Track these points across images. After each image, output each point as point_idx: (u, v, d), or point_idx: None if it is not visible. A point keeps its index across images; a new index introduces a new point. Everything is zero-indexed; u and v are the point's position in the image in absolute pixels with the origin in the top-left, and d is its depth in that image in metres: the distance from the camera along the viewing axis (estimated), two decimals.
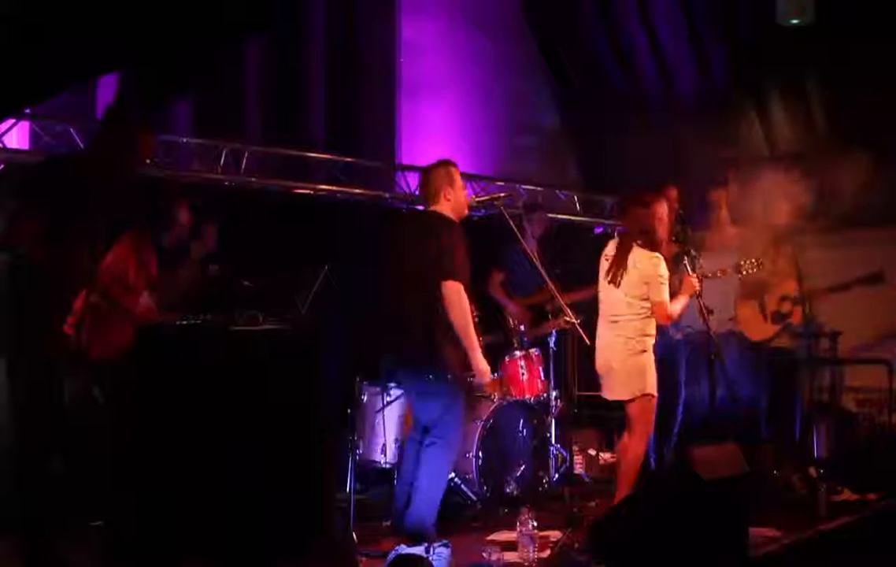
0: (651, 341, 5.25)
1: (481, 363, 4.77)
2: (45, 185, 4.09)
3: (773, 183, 6.90)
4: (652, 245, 5.24)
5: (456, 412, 4.82)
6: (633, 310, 5.20)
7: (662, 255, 5.26)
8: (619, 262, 5.27)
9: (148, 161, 4.35)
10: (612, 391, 5.26)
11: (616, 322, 5.24)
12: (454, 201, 4.93)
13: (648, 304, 5.20)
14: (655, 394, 5.24)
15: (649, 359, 5.23)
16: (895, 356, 6.96)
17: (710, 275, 6.02)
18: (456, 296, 4.67)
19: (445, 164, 5.00)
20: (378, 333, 5.04)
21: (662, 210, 5.32)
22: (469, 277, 4.83)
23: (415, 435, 5.01)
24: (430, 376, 4.75)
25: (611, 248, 5.40)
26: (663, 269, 5.22)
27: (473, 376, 6.33)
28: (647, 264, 5.20)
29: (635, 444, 5.22)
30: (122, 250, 4.52)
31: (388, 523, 5.21)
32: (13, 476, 4.03)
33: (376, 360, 6.01)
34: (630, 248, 5.27)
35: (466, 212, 5.03)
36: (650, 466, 5.90)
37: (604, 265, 5.37)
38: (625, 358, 5.19)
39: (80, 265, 4.03)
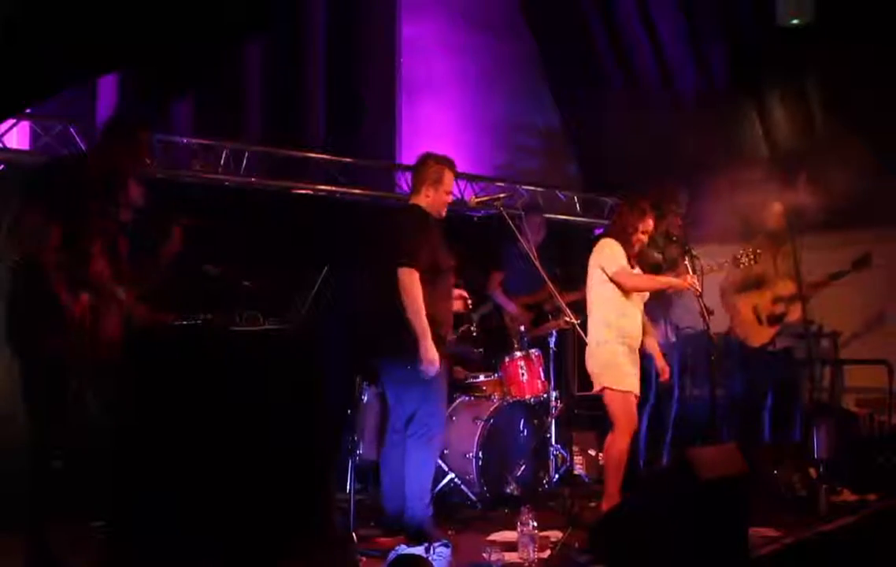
0: (620, 334, 5.23)
1: (428, 352, 4.70)
2: (49, 187, 4.10)
3: (772, 183, 6.91)
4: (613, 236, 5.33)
5: (435, 400, 4.84)
6: (593, 299, 5.30)
7: (629, 254, 5.31)
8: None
9: (148, 162, 4.33)
10: (593, 384, 5.34)
11: (589, 316, 5.34)
12: (432, 200, 4.98)
13: (606, 291, 5.23)
14: (626, 389, 5.22)
15: (613, 350, 5.22)
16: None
17: (707, 269, 6.02)
18: (407, 281, 4.69)
19: (440, 162, 5.01)
20: (367, 331, 5.08)
21: (646, 223, 5.35)
22: (437, 267, 4.84)
23: (394, 435, 5.01)
24: (409, 366, 4.75)
25: None
26: (619, 249, 5.25)
27: (474, 376, 6.41)
28: (598, 249, 5.31)
29: (615, 439, 5.24)
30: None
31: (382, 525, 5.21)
32: (25, 475, 4.08)
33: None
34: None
35: (443, 213, 5.04)
36: (639, 467, 5.88)
37: None
38: (591, 351, 5.26)
39: (82, 267, 4.04)
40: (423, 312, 4.70)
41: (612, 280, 5.23)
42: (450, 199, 5.06)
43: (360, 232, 6.74)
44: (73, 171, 4.27)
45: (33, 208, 4.01)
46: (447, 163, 5.03)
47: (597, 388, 5.28)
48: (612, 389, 5.21)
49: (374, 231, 5.22)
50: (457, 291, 5.10)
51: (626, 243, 5.31)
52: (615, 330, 5.24)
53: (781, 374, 6.72)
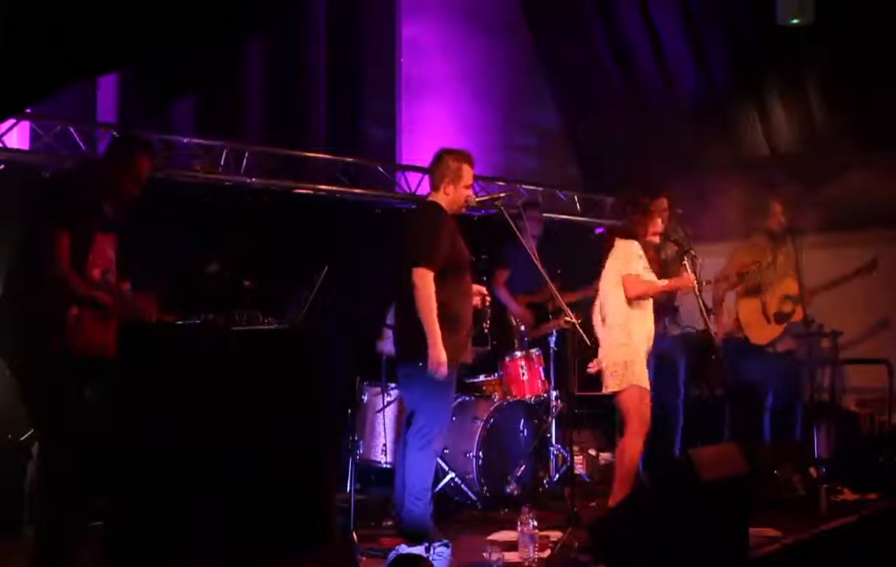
0: (637, 334, 5.24)
1: (437, 354, 4.64)
2: (58, 201, 4.14)
3: (772, 183, 6.91)
4: (627, 237, 5.33)
5: (438, 405, 4.80)
6: (614, 300, 5.26)
7: (647, 255, 5.32)
8: (603, 261, 5.38)
9: (142, 185, 4.36)
10: (605, 385, 5.30)
11: (605, 317, 5.32)
12: (452, 197, 4.93)
13: (623, 295, 5.23)
14: (645, 386, 5.23)
15: (634, 350, 5.22)
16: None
17: (710, 281, 6.03)
18: (419, 282, 4.66)
19: (457, 157, 4.95)
20: (378, 331, 5.03)
21: (655, 225, 5.36)
22: (455, 264, 4.82)
23: (405, 431, 5.01)
24: (421, 363, 4.73)
25: None
26: (635, 248, 5.28)
27: (474, 376, 6.40)
28: (620, 249, 5.30)
29: (630, 442, 5.21)
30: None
31: (390, 523, 5.23)
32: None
33: (376, 359, 6.04)
34: (612, 245, 5.36)
35: (463, 210, 5.02)
36: (639, 468, 5.87)
37: None
38: (608, 350, 5.25)
39: (81, 276, 4.08)
40: (435, 314, 4.66)
41: (622, 280, 5.23)
42: (469, 193, 5.03)
43: (369, 233, 6.76)
44: (78, 185, 4.34)
45: (45, 221, 4.06)
46: (465, 157, 4.97)
47: (614, 387, 5.22)
48: (630, 387, 5.19)
49: (392, 229, 5.21)
50: (476, 287, 5.08)
51: (642, 243, 5.32)
52: (635, 334, 5.25)
53: (782, 375, 6.71)
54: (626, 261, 5.26)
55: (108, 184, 4.27)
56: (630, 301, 5.25)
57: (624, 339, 5.21)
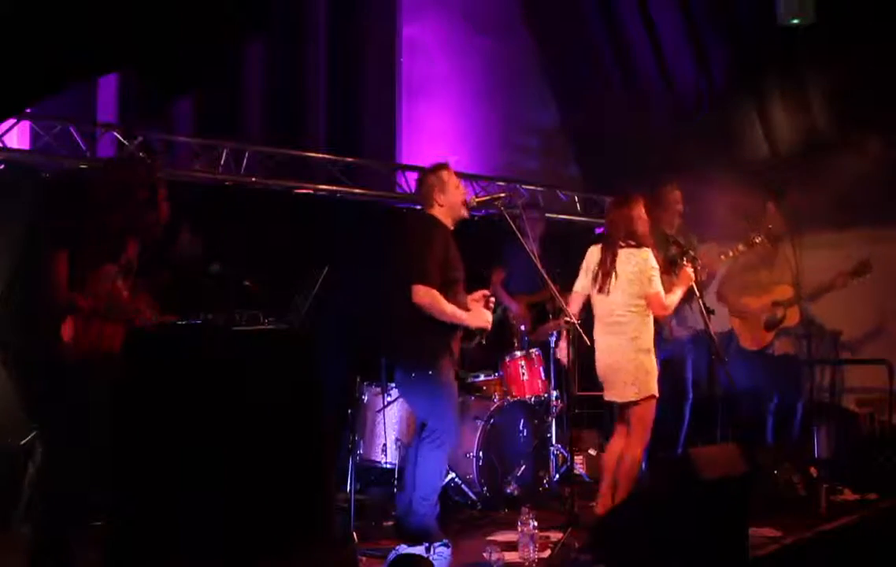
0: (652, 342, 5.22)
1: (471, 320, 4.85)
2: (61, 211, 4.17)
3: (771, 183, 6.92)
4: (637, 244, 5.24)
5: (443, 407, 4.81)
6: (633, 309, 5.18)
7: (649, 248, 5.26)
8: (608, 269, 5.26)
9: (146, 192, 4.36)
10: (619, 393, 5.20)
11: (619, 324, 5.20)
12: (447, 205, 4.95)
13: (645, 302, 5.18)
14: (657, 395, 5.21)
15: (653, 359, 5.21)
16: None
17: (722, 257, 6.02)
18: (428, 299, 4.70)
19: (436, 169, 5.01)
20: (378, 333, 5.06)
21: (641, 210, 5.30)
22: (448, 278, 4.83)
23: (416, 438, 5.02)
24: (413, 374, 4.79)
25: (594, 255, 5.39)
26: (654, 262, 5.21)
27: (474, 376, 6.40)
28: (640, 260, 5.20)
29: (634, 447, 5.16)
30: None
31: (391, 523, 5.22)
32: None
33: (376, 360, 6.04)
34: (616, 252, 5.26)
35: (463, 212, 5.01)
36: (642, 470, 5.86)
37: (591, 273, 5.36)
38: (632, 357, 5.15)
39: (83, 276, 4.09)
40: (451, 309, 4.75)
41: (649, 298, 5.16)
42: (462, 193, 5.03)
43: (369, 233, 6.76)
44: (82, 190, 4.36)
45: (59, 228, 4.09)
46: (442, 165, 5.03)
47: (633, 396, 5.15)
48: (649, 397, 5.15)
49: (387, 235, 5.21)
50: (479, 293, 5.07)
51: (642, 242, 5.27)
52: (651, 342, 5.22)
53: (781, 376, 6.71)
54: (654, 274, 5.17)
55: (112, 193, 4.25)
56: (657, 319, 5.23)
57: (647, 347, 5.17)
